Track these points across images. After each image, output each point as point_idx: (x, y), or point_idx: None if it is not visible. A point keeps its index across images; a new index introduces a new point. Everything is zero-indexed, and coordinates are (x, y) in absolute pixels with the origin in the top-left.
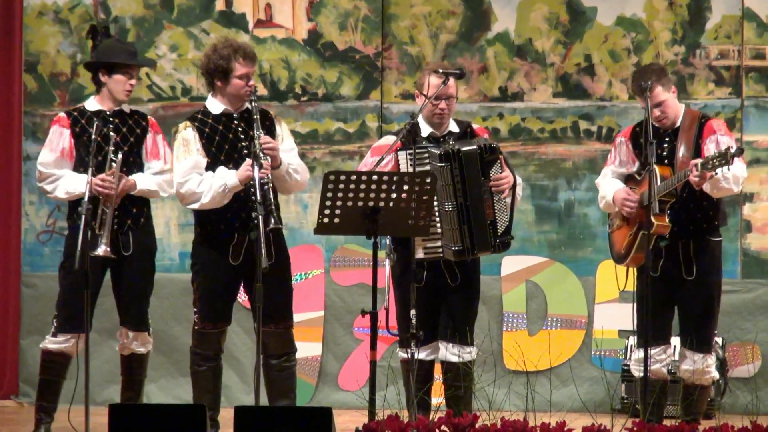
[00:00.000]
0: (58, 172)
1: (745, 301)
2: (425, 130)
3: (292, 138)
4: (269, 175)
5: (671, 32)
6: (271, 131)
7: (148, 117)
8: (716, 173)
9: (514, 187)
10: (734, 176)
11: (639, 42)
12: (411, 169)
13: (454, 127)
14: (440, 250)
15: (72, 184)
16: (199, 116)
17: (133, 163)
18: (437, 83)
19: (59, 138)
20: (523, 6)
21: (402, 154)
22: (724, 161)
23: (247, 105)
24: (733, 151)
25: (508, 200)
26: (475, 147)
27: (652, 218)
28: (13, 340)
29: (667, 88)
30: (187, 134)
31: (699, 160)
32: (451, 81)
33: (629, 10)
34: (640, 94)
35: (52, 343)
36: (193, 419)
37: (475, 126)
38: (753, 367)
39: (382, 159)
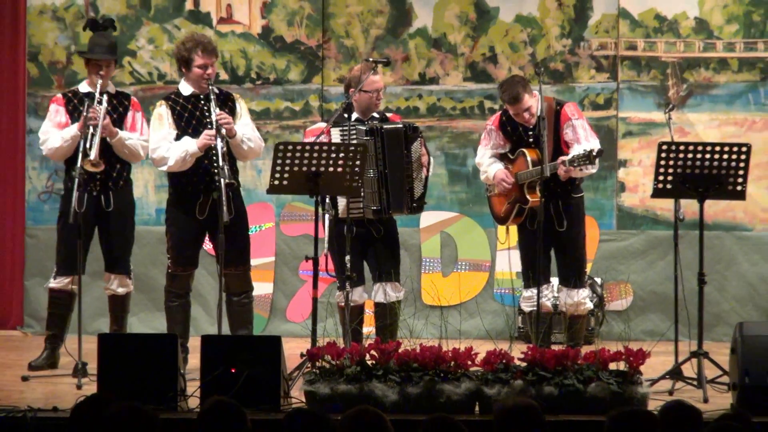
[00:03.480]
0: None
1: (619, 248)
2: (354, 115)
3: (249, 115)
4: (221, 141)
5: (560, 27)
6: (233, 109)
7: (131, 97)
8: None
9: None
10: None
11: (534, 36)
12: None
13: (375, 114)
14: (362, 210)
15: (63, 133)
16: (173, 96)
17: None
18: (374, 78)
19: (56, 114)
20: (438, 6)
21: (335, 131)
22: (588, 162)
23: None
24: (595, 153)
25: (424, 173)
26: (400, 126)
27: (528, 196)
28: (18, 280)
29: (530, 94)
30: (161, 111)
31: (567, 158)
32: (379, 77)
33: (526, 9)
34: (512, 103)
35: (54, 283)
36: (167, 346)
37: (389, 114)
38: (626, 302)
39: (320, 137)
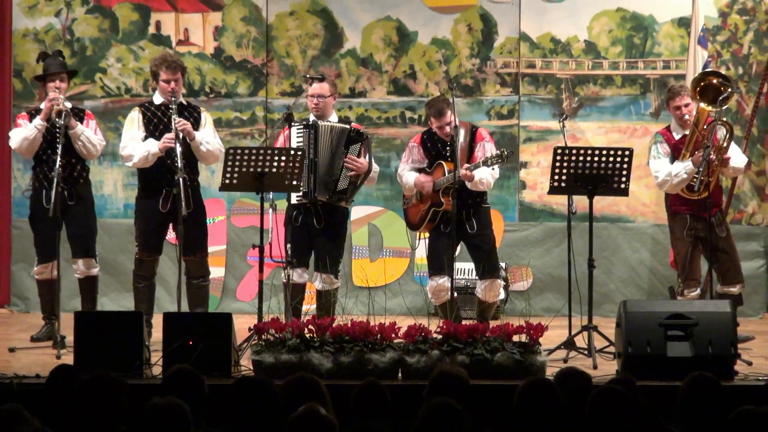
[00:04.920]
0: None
1: (521, 237)
2: (312, 118)
3: (212, 125)
4: (180, 144)
5: (470, 49)
6: (197, 119)
7: (86, 110)
8: (483, 181)
9: (368, 173)
10: (488, 182)
11: (447, 56)
12: (297, 138)
13: (334, 118)
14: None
15: (30, 126)
16: (146, 104)
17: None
18: (309, 89)
19: (24, 126)
20: (366, 30)
21: (293, 129)
22: (500, 160)
23: (181, 100)
24: (506, 153)
25: (354, 173)
26: (347, 126)
27: (442, 199)
28: (6, 266)
29: (451, 111)
30: (134, 115)
31: (480, 160)
32: (318, 85)
33: (440, 33)
34: (437, 117)
35: (37, 273)
36: (134, 322)
37: (353, 123)
38: (526, 283)
39: (282, 135)
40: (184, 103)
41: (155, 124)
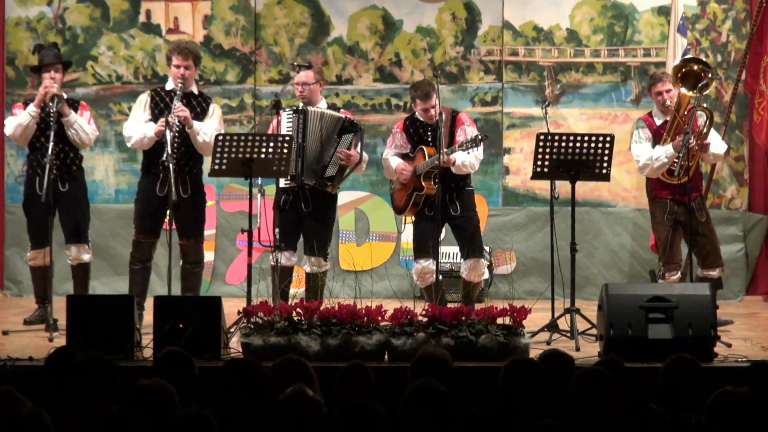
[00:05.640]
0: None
1: (504, 222)
2: (301, 105)
3: (218, 119)
4: (176, 128)
5: (454, 37)
6: (204, 109)
7: (81, 101)
8: (465, 164)
9: (358, 163)
10: (471, 164)
11: (432, 44)
12: (287, 123)
13: (323, 105)
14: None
15: (15, 119)
16: (158, 89)
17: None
18: (296, 76)
19: (19, 114)
20: (352, 19)
21: (284, 114)
22: (474, 144)
23: (192, 89)
24: (481, 137)
25: (344, 162)
26: (341, 115)
27: (424, 184)
28: None
29: (436, 95)
30: (142, 98)
31: (456, 146)
32: (303, 72)
33: (425, 21)
34: (423, 99)
35: (30, 259)
36: (125, 305)
37: (342, 110)
38: (510, 266)
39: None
40: (195, 92)
41: (161, 108)
